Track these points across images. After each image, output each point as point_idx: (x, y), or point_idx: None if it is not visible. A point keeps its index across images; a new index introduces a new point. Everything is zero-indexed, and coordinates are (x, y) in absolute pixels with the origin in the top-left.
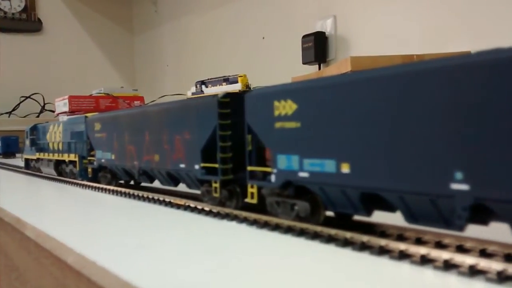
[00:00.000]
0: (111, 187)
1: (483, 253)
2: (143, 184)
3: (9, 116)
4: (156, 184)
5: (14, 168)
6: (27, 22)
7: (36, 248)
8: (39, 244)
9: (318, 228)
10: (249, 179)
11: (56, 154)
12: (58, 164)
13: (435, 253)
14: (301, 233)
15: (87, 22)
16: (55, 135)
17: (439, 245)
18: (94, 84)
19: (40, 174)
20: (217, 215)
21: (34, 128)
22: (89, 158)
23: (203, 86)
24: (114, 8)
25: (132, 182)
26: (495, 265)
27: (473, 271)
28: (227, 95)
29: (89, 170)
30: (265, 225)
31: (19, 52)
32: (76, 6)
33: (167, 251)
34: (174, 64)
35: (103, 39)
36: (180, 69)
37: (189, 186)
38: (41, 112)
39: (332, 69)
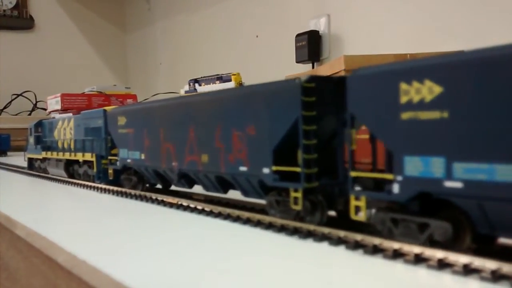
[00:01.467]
0: (106, 187)
1: (477, 252)
2: (173, 188)
3: (0, 114)
4: (196, 189)
5: (16, 169)
6: (18, 19)
7: (27, 247)
8: (30, 243)
9: (311, 227)
10: (354, 188)
11: (66, 153)
12: (69, 165)
13: (429, 252)
14: (294, 231)
15: (79, 19)
16: (64, 131)
17: (433, 244)
18: (87, 82)
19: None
20: (210, 213)
21: (39, 124)
22: (109, 157)
23: (196, 84)
24: (106, 6)
25: (158, 186)
26: (489, 264)
27: (467, 270)
28: (313, 78)
29: (110, 171)
30: (258, 223)
31: (10, 50)
32: (69, 4)
33: (159, 251)
34: (167, 62)
35: (96, 37)
36: (173, 67)
37: (246, 193)
38: (33, 110)
39: (325, 68)
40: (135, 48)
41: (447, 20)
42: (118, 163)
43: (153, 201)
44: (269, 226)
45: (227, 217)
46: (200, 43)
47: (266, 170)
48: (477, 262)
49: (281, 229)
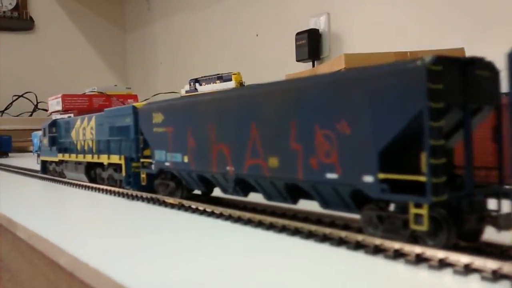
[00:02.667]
0: (106, 187)
1: (478, 252)
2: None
3: (1, 115)
4: (255, 197)
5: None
6: (18, 20)
7: (29, 249)
8: (32, 245)
9: (313, 227)
10: None
11: (88, 156)
12: (90, 168)
13: (430, 252)
14: (296, 232)
15: (79, 20)
16: (84, 131)
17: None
18: (87, 82)
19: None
20: (212, 214)
21: (53, 124)
22: (142, 160)
23: (197, 84)
24: (106, 6)
25: (197, 191)
26: (490, 264)
27: (468, 270)
28: (440, 59)
29: (143, 176)
30: (259, 224)
31: (11, 51)
32: (68, 4)
33: (161, 253)
34: (167, 62)
35: (96, 37)
36: (174, 67)
37: (327, 205)
38: (34, 111)
39: (325, 67)
40: (135, 47)
41: (446, 18)
42: (153, 166)
43: (154, 202)
44: (270, 227)
45: (228, 217)
46: (200, 42)
47: (368, 179)
48: (478, 262)
49: (282, 229)
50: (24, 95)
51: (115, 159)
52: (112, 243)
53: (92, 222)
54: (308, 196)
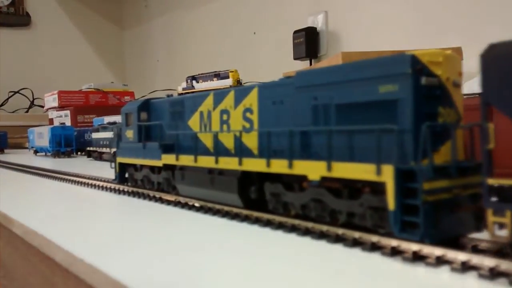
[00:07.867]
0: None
1: (475, 250)
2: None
3: None
4: None
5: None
6: (15, 16)
7: (24, 246)
8: (27, 241)
9: (310, 225)
10: None
11: (249, 161)
12: (247, 183)
13: (427, 250)
14: (293, 229)
15: (76, 16)
16: (225, 117)
17: None
18: (84, 79)
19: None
20: (208, 211)
21: (145, 107)
22: (492, 181)
23: (194, 82)
24: (103, 3)
25: None
26: (487, 262)
27: (466, 267)
28: None
29: (500, 220)
30: (255, 221)
31: (7, 47)
32: (65, 1)
33: (156, 249)
34: (164, 59)
35: (93, 34)
36: (171, 64)
37: None
38: (30, 107)
39: (323, 65)
40: (132, 45)
41: (444, 17)
42: None
43: (150, 198)
44: (267, 224)
45: (225, 214)
46: (197, 40)
47: None
48: (475, 259)
49: (279, 226)
50: (20, 91)
51: (359, 171)
52: (108, 240)
53: (88, 219)
54: None
